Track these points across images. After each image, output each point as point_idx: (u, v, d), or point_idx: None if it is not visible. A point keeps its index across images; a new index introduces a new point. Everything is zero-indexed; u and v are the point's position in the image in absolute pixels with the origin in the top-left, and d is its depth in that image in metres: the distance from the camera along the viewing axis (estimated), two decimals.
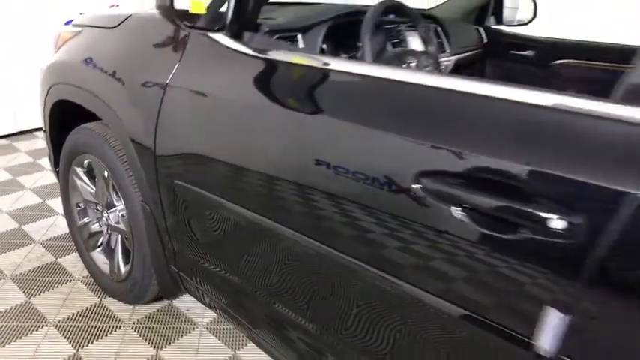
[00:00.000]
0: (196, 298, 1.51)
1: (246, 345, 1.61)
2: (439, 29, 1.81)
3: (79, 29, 1.62)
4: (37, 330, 1.60)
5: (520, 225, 0.65)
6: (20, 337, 1.57)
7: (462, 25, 2.05)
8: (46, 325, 1.63)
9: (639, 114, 0.60)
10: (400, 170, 0.78)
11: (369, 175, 0.82)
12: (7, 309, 1.69)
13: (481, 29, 2.13)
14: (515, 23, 2.21)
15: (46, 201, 2.44)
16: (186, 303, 1.79)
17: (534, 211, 0.63)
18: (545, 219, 0.62)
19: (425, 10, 2.18)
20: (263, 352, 1.37)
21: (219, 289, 1.34)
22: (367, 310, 0.91)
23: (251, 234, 1.13)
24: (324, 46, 1.37)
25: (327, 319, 1.01)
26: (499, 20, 2.21)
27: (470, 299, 0.72)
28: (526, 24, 2.23)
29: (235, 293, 1.29)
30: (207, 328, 1.68)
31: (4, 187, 2.58)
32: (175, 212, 1.29)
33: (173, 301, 1.79)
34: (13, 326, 1.61)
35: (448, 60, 1.78)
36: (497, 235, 0.67)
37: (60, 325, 1.63)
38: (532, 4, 2.21)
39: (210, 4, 0.96)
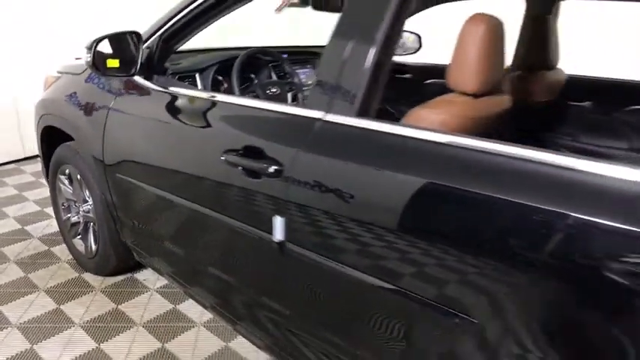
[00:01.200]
0: (140, 261, 2.08)
1: (185, 301, 2.17)
2: None
3: (60, 75, 2.26)
4: (30, 294, 2.19)
5: (262, 173, 1.22)
6: (18, 299, 2.15)
7: None
8: (38, 291, 2.21)
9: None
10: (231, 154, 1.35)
11: (215, 157, 1.39)
12: (9, 281, 2.28)
13: None
14: (404, 53, 2.81)
15: (44, 209, 3.05)
16: (144, 275, 2.36)
17: (265, 165, 1.20)
18: (268, 167, 1.19)
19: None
20: (198, 305, 1.94)
21: (153, 251, 1.91)
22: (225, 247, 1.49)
23: (166, 206, 1.70)
24: (220, 78, 1.98)
25: (226, 265, 1.56)
26: None
27: (247, 216, 1.30)
28: (414, 53, 2.83)
29: (164, 254, 1.86)
30: (156, 291, 2.25)
31: (11, 199, 3.21)
32: (118, 196, 1.89)
33: (134, 274, 2.37)
34: (13, 292, 2.20)
35: None
36: (254, 179, 1.25)
37: (48, 291, 2.22)
38: (417, 38, 2.81)
39: (120, 61, 1.57)
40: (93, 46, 1.51)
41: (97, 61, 1.53)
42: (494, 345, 0.89)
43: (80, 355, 1.83)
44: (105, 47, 1.59)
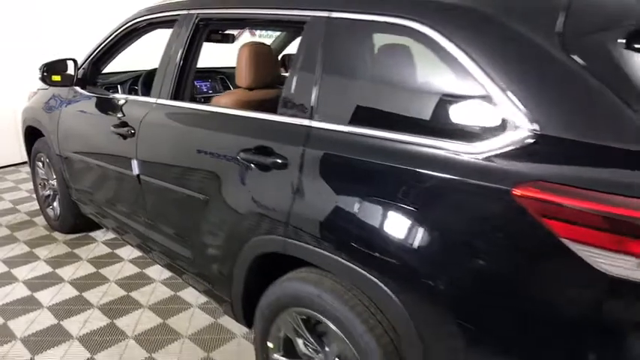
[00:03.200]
0: (84, 213, 2.96)
1: (124, 247, 3.04)
2: (225, 77, 3.34)
3: (37, 90, 3.20)
4: (13, 244, 3.09)
5: (126, 136, 2.11)
6: (4, 246, 3.05)
7: None
8: (19, 242, 3.12)
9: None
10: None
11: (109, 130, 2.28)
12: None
13: None
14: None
15: (32, 195, 3.98)
16: (95, 233, 3.25)
17: (126, 130, 2.09)
18: (128, 131, 2.08)
19: None
20: (129, 245, 2.82)
21: (86, 200, 2.79)
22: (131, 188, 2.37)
23: (91, 168, 2.59)
24: (137, 88, 2.90)
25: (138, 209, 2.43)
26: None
27: (122, 164, 2.17)
28: None
29: (90, 199, 2.73)
30: (102, 242, 3.13)
31: (8, 189, 4.18)
32: (67, 168, 2.79)
33: (88, 233, 3.25)
34: (1, 242, 3.11)
35: None
36: (123, 140, 2.13)
37: (25, 241, 3.12)
38: None
39: (61, 76, 2.50)
40: (42, 67, 2.46)
41: (45, 77, 2.47)
42: (215, 206, 1.74)
43: (39, 275, 2.71)
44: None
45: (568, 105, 1.04)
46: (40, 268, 2.79)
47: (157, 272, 2.75)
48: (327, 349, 1.49)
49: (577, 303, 1.01)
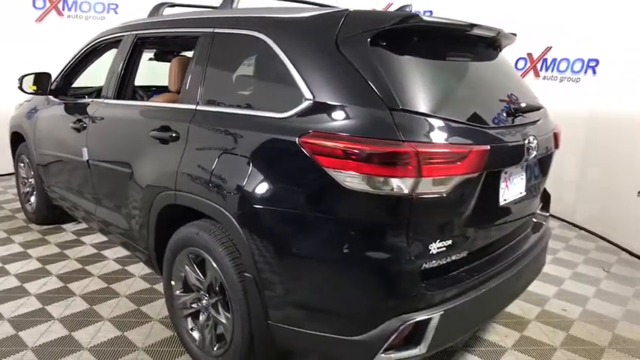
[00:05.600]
0: (55, 203, 3.46)
1: (89, 235, 3.53)
2: None
3: (23, 102, 3.78)
4: None
5: (80, 129, 2.64)
6: None
7: None
8: (2, 232, 3.63)
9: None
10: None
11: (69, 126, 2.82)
12: None
13: None
14: None
15: (17, 197, 4.51)
16: (66, 225, 3.74)
17: (80, 124, 2.63)
18: (82, 125, 2.61)
19: None
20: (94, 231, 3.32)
21: (62, 197, 3.30)
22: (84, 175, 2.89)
23: (57, 161, 3.11)
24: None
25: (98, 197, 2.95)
26: None
27: (77, 152, 2.69)
28: None
29: (69, 199, 3.24)
30: (71, 232, 3.62)
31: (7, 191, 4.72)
32: (40, 163, 3.32)
33: (61, 225, 3.75)
34: None
35: None
36: (77, 133, 2.66)
37: (5, 230, 3.62)
38: None
39: (38, 86, 3.06)
40: (21, 78, 3.03)
41: (23, 86, 3.04)
42: (136, 175, 2.24)
43: (12, 253, 3.20)
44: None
45: (334, 81, 1.56)
46: (14, 249, 3.28)
47: (113, 252, 3.23)
48: (207, 278, 1.96)
49: (335, 208, 1.51)
